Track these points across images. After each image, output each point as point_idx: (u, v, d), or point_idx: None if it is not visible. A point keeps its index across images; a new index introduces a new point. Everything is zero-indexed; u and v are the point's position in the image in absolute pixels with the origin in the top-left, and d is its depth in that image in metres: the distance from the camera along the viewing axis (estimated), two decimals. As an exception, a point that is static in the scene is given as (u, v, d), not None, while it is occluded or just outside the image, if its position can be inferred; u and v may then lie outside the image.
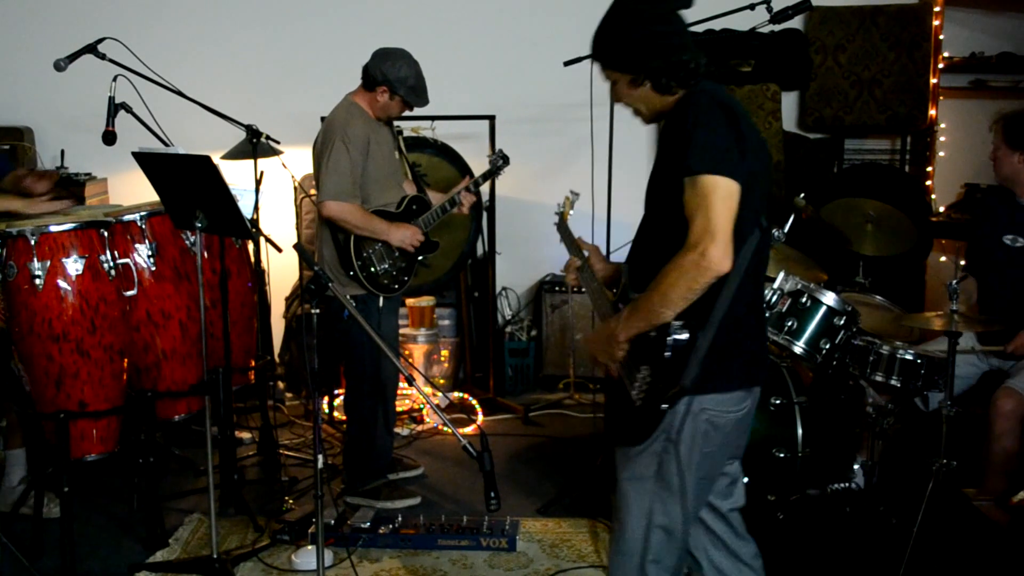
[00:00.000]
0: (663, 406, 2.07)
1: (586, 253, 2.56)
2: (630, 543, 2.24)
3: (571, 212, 2.84)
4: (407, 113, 3.82)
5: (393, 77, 3.59)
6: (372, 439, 3.80)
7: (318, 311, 2.54)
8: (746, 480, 3.23)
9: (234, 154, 4.39)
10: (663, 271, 2.04)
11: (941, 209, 5.20)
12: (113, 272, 3.45)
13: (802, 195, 3.86)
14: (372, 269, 3.65)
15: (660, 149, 2.24)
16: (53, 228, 3.33)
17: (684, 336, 2.06)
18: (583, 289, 2.52)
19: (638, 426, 2.15)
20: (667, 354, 2.06)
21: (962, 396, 3.56)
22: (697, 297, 2.02)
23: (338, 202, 3.55)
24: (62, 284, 3.31)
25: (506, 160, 4.08)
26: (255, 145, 3.91)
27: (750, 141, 2.09)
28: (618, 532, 2.28)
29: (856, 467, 3.63)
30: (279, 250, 4.62)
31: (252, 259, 4.15)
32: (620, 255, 3.94)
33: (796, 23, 5.02)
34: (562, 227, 2.78)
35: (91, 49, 3.59)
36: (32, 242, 3.28)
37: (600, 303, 2.40)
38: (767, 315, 3.23)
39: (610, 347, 2.17)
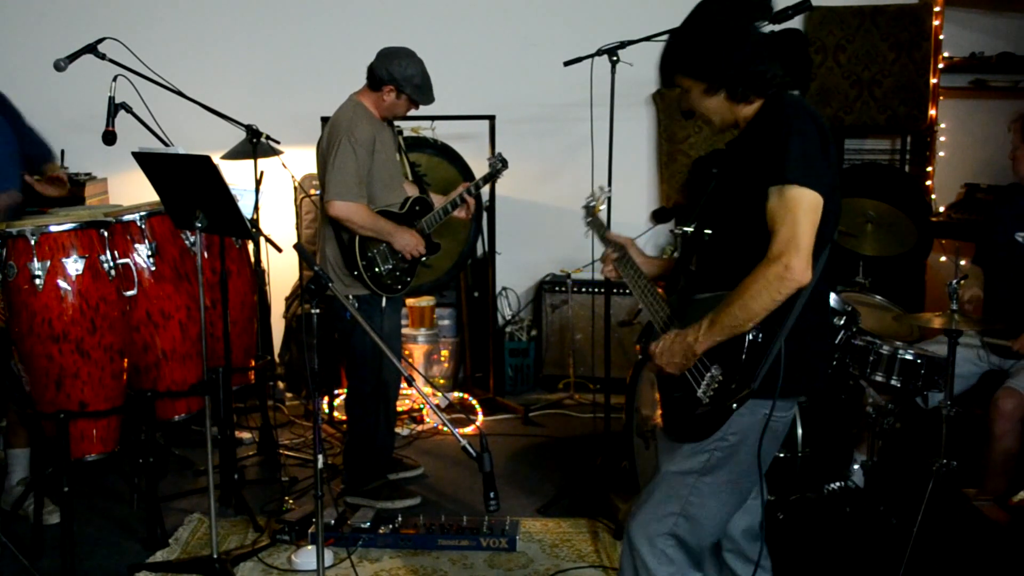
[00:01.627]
0: (733, 406, 2.09)
1: (617, 246, 2.54)
2: (658, 526, 2.25)
3: (602, 207, 2.82)
4: (408, 112, 3.83)
5: (399, 76, 3.59)
6: (373, 439, 3.80)
7: (318, 311, 2.54)
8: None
9: (234, 154, 4.39)
10: (744, 282, 2.05)
11: (941, 209, 5.20)
12: (113, 272, 3.45)
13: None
14: (376, 269, 3.65)
15: (737, 156, 2.24)
16: (53, 228, 3.33)
17: (760, 339, 2.08)
18: (624, 282, 2.50)
19: (701, 423, 2.16)
20: (743, 356, 2.08)
21: (962, 396, 3.55)
22: (777, 307, 2.05)
23: (344, 201, 3.55)
24: (62, 284, 3.31)
25: (505, 164, 4.09)
26: (255, 145, 3.91)
27: (833, 155, 2.12)
28: (645, 513, 2.28)
29: (856, 467, 3.63)
30: (279, 250, 4.63)
31: (252, 259, 4.15)
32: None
33: (796, 23, 5.01)
34: (594, 220, 2.75)
35: (91, 49, 3.59)
36: (32, 242, 3.28)
37: (651, 301, 2.39)
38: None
39: (685, 359, 2.18)
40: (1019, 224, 3.62)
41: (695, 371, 2.18)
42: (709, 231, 2.29)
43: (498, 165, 4.09)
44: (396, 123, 3.88)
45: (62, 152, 4.76)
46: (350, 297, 3.62)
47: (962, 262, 4.90)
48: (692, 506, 2.23)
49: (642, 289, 2.42)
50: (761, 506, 2.41)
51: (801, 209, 2.02)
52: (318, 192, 3.73)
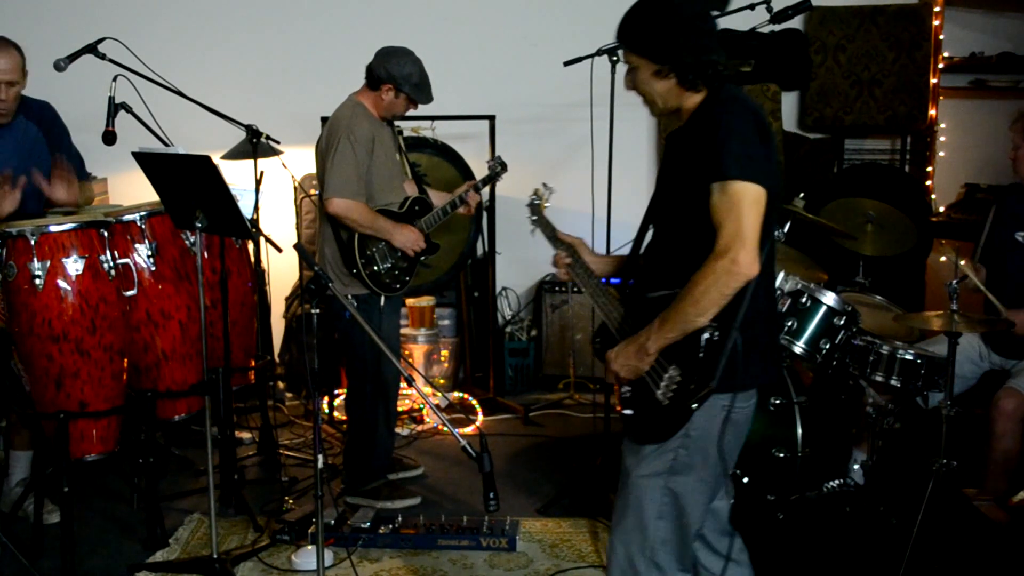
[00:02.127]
0: (693, 406, 2.09)
1: (567, 247, 2.54)
2: (640, 539, 2.25)
3: (547, 204, 2.80)
4: (408, 112, 3.83)
5: (398, 75, 3.59)
6: (373, 439, 3.80)
7: (318, 311, 2.54)
8: (746, 480, 3.25)
9: (234, 154, 4.39)
10: (693, 279, 2.05)
11: (941, 209, 5.20)
12: (113, 272, 3.45)
13: (801, 195, 3.86)
14: (375, 268, 3.66)
15: (679, 150, 2.25)
16: (53, 228, 3.33)
17: (716, 336, 2.08)
18: (575, 286, 2.50)
19: (662, 424, 2.16)
20: (701, 355, 2.08)
21: (962, 396, 3.56)
22: (727, 302, 2.05)
23: (343, 199, 3.55)
24: (62, 284, 3.31)
25: (504, 167, 4.09)
26: (255, 145, 3.91)
27: (772, 148, 2.13)
28: (624, 528, 2.28)
29: (856, 467, 3.63)
30: (279, 250, 4.63)
31: (252, 259, 4.15)
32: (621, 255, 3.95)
33: (796, 23, 5.02)
34: (540, 219, 2.72)
35: (91, 49, 3.60)
36: (32, 242, 3.28)
37: (604, 302, 2.39)
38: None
39: (639, 360, 2.17)
40: (1019, 224, 3.62)
41: (653, 373, 2.17)
42: (654, 227, 2.31)
43: (497, 168, 4.09)
44: (396, 123, 3.88)
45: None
46: (348, 296, 3.62)
47: (962, 262, 4.88)
48: (666, 507, 2.23)
49: (593, 289, 2.43)
50: (728, 503, 2.42)
51: (745, 203, 2.03)
52: (318, 192, 3.73)
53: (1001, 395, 3.35)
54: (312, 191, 4.83)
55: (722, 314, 2.07)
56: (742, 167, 2.03)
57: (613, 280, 2.51)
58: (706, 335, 2.07)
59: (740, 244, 2.01)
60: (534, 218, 2.76)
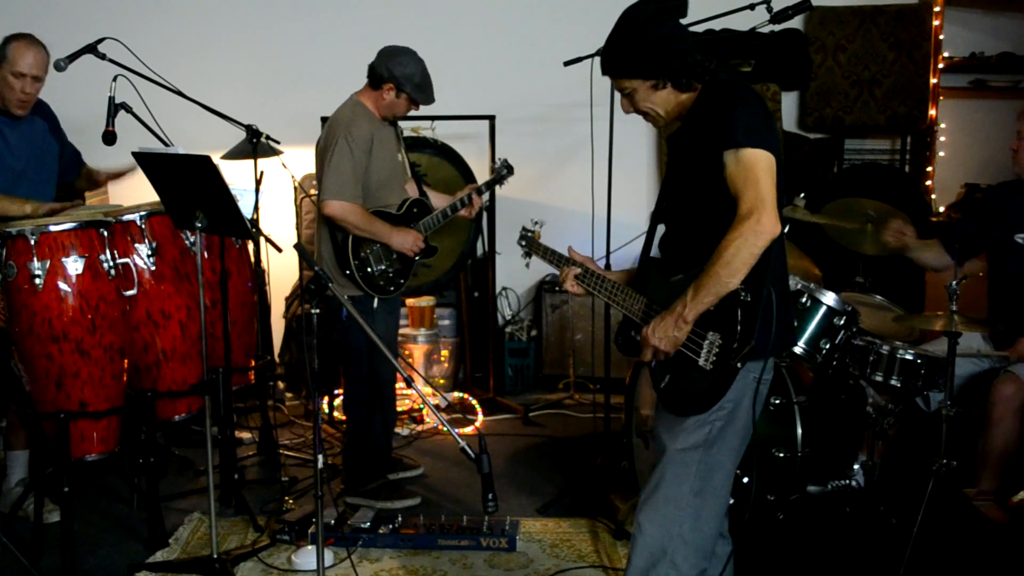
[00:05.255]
0: (738, 365, 2.15)
1: (576, 263, 2.62)
2: (673, 513, 2.31)
3: (540, 236, 2.88)
4: (408, 112, 3.82)
5: (399, 74, 3.59)
6: (371, 440, 3.80)
7: (318, 311, 2.54)
8: (746, 480, 3.25)
9: (234, 154, 4.39)
10: (722, 244, 2.13)
11: (941, 209, 5.20)
12: (113, 272, 3.45)
13: (802, 195, 3.85)
14: (368, 269, 3.65)
15: (684, 143, 2.36)
16: (53, 228, 3.33)
17: (750, 298, 2.16)
18: (591, 294, 2.55)
19: (707, 393, 2.22)
20: (739, 317, 2.15)
21: (962, 393, 3.55)
22: (755, 261, 2.13)
23: (339, 201, 3.55)
24: (62, 284, 3.31)
25: (510, 170, 4.09)
26: (255, 145, 3.91)
27: (775, 127, 2.25)
28: (656, 502, 2.33)
29: (856, 467, 3.63)
30: (279, 250, 4.63)
31: (252, 259, 4.15)
32: (620, 254, 3.96)
33: (796, 23, 5.02)
34: (538, 248, 2.85)
35: (91, 49, 3.60)
36: (32, 242, 3.28)
37: (622, 298, 2.45)
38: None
39: (678, 330, 2.23)
40: (1019, 225, 3.61)
41: (691, 344, 2.24)
42: (667, 223, 2.41)
43: (503, 172, 4.09)
44: (397, 124, 3.87)
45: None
46: (345, 297, 3.61)
47: (964, 265, 4.87)
48: (702, 480, 2.31)
49: (610, 290, 2.50)
50: (733, 470, 2.43)
51: (760, 168, 2.14)
52: (317, 192, 3.73)
53: (1000, 379, 3.35)
54: (312, 191, 4.83)
55: (752, 277, 2.14)
56: (751, 135, 2.15)
57: None
58: (740, 297, 2.15)
59: (762, 205, 2.11)
60: (526, 247, 2.88)
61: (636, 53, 2.29)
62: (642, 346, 2.32)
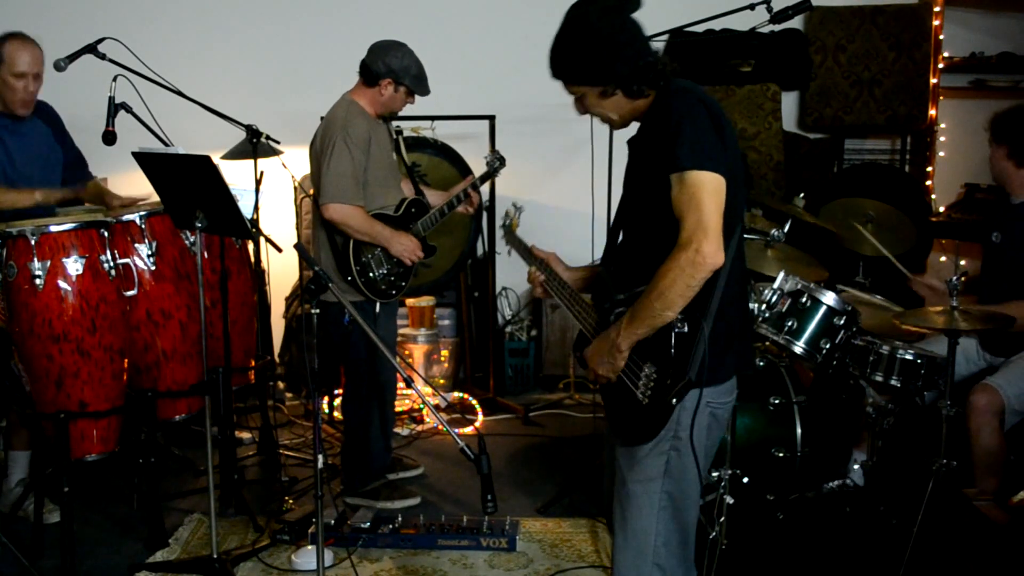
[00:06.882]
0: (673, 401, 2.06)
1: (541, 263, 2.55)
2: (642, 544, 2.25)
3: (518, 225, 2.85)
4: (407, 112, 3.82)
5: (397, 67, 3.57)
6: (368, 441, 3.79)
7: (318, 311, 2.54)
8: (746, 480, 3.25)
9: (234, 154, 4.39)
10: (658, 273, 2.04)
11: (941, 209, 5.20)
12: (113, 272, 3.45)
13: (802, 195, 3.86)
14: (370, 274, 3.63)
15: (637, 149, 2.26)
16: (53, 228, 3.33)
17: (686, 329, 2.06)
18: (552, 300, 2.52)
19: (646, 425, 2.14)
20: (672, 350, 2.06)
21: (962, 394, 3.55)
22: (695, 294, 2.03)
23: (341, 205, 3.52)
24: (62, 284, 3.31)
25: (502, 162, 4.07)
26: (255, 145, 3.91)
27: (729, 136, 2.12)
28: (626, 535, 2.28)
29: (856, 467, 3.63)
30: (279, 250, 4.63)
31: (252, 259, 4.15)
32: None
33: (796, 23, 5.02)
34: (513, 239, 2.77)
35: (91, 49, 3.60)
36: (32, 242, 3.28)
37: (579, 310, 2.39)
38: (768, 315, 3.23)
39: (612, 358, 2.16)
40: (996, 224, 3.65)
41: (629, 373, 2.16)
42: (624, 231, 2.31)
43: (496, 164, 4.07)
44: (396, 123, 3.87)
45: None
46: (346, 300, 3.60)
47: (962, 261, 4.89)
48: (665, 510, 2.23)
49: (568, 299, 2.43)
50: (698, 496, 2.38)
51: (704, 192, 2.01)
52: (315, 194, 3.71)
53: (975, 390, 3.36)
54: (312, 191, 4.83)
55: (692, 308, 2.05)
56: (696, 156, 2.03)
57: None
58: (676, 329, 2.06)
59: (703, 234, 1.99)
60: (507, 238, 2.80)
61: (579, 60, 2.17)
62: (586, 366, 2.26)
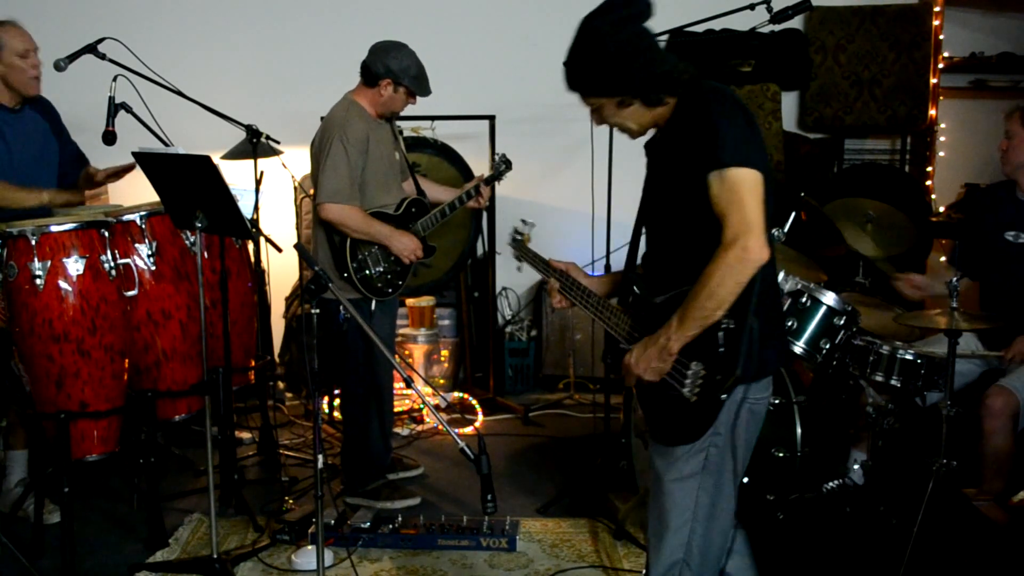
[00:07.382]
0: (723, 396, 2.09)
1: (561, 274, 2.53)
2: (677, 541, 2.27)
3: (530, 240, 2.82)
4: (407, 112, 3.82)
5: (396, 68, 3.57)
6: (367, 441, 3.79)
7: (318, 311, 2.54)
8: (746, 480, 3.25)
9: (234, 154, 4.39)
10: (705, 272, 2.04)
11: (941, 209, 5.20)
12: (113, 272, 3.45)
13: (802, 195, 3.85)
14: (367, 272, 3.64)
15: (662, 154, 2.27)
16: (54, 228, 3.33)
17: (733, 325, 2.08)
18: (573, 308, 2.50)
19: (694, 423, 2.15)
20: (721, 347, 2.08)
21: (962, 393, 3.55)
22: (743, 290, 2.05)
23: (337, 204, 3.53)
24: (63, 284, 3.31)
25: (509, 165, 4.08)
26: (255, 145, 3.91)
27: (760, 134, 2.14)
28: (661, 530, 2.28)
29: (855, 466, 3.63)
30: (279, 250, 4.63)
31: (252, 259, 4.15)
32: (620, 255, 3.95)
33: (796, 23, 5.02)
34: (526, 253, 2.74)
35: (91, 49, 3.60)
36: (33, 242, 3.28)
37: (608, 316, 2.38)
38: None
39: (662, 361, 2.16)
40: (1007, 223, 3.63)
41: (675, 373, 2.17)
42: (649, 236, 2.31)
43: (502, 167, 4.08)
44: (396, 123, 3.87)
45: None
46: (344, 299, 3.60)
47: (942, 258, 4.88)
48: (702, 508, 2.24)
49: (595, 306, 2.42)
50: (734, 491, 2.39)
51: (745, 189, 2.03)
52: (314, 194, 3.72)
53: (990, 393, 3.35)
54: (312, 191, 4.84)
55: (736, 304, 2.07)
56: (736, 153, 2.04)
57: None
58: (723, 326, 2.08)
59: (748, 231, 2.01)
60: (517, 253, 2.76)
61: (595, 72, 2.17)
62: (624, 373, 2.26)
